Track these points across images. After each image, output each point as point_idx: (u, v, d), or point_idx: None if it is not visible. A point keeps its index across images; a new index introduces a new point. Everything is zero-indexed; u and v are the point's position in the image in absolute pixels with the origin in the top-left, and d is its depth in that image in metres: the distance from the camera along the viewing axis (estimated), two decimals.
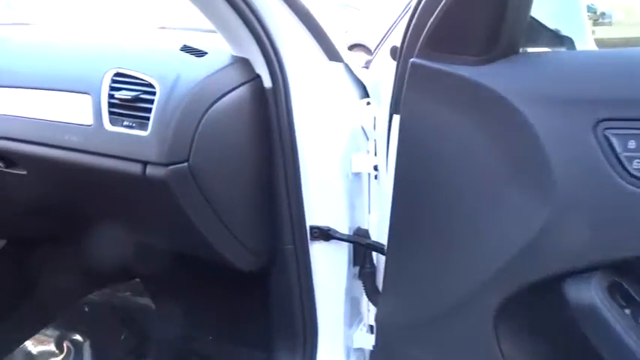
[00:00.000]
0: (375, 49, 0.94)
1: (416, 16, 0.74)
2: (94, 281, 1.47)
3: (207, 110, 0.85)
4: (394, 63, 0.84)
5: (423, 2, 0.73)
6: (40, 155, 0.98)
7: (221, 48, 1.00)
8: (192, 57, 0.95)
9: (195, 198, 0.87)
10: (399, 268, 0.84)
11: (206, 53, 0.97)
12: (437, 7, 0.69)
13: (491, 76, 0.65)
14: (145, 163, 0.84)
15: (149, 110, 0.85)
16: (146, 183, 0.84)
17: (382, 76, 0.93)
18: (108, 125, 0.87)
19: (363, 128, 1.13)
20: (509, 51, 0.67)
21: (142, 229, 1.06)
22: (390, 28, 0.91)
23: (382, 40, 0.93)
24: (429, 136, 0.75)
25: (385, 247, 0.98)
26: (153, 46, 1.09)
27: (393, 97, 0.85)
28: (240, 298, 1.34)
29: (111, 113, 0.88)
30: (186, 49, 1.00)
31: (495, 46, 0.66)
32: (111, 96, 0.89)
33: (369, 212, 1.21)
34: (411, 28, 0.76)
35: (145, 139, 0.83)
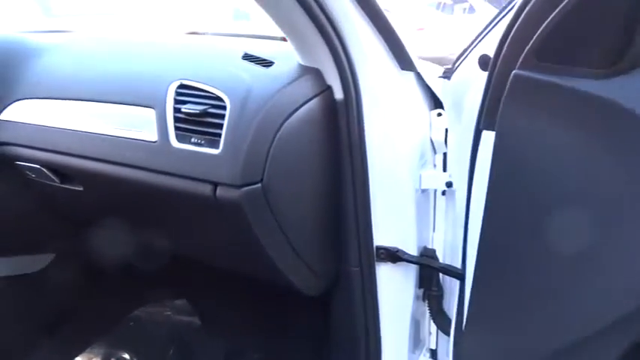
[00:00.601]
0: (459, 59, 0.87)
1: (517, 24, 0.67)
2: (141, 298, 1.43)
3: (280, 127, 0.79)
4: (483, 74, 0.77)
5: (527, 9, 0.66)
6: (99, 172, 0.94)
7: (285, 56, 0.95)
8: (259, 67, 0.90)
9: (266, 220, 0.81)
10: (491, 300, 0.76)
11: (272, 63, 0.92)
12: (547, 14, 0.62)
13: (619, 90, 0.58)
14: (215, 184, 0.78)
15: (219, 126, 0.79)
16: (215, 205, 0.79)
17: (466, 87, 0.86)
18: (175, 142, 0.82)
19: (431, 141, 1.07)
20: (639, 63, 0.59)
21: (202, 250, 1.01)
22: (478, 37, 0.83)
23: (468, 49, 0.86)
24: (534, 156, 0.67)
25: (461, 271, 0.92)
26: (213, 54, 1.04)
27: (482, 110, 0.78)
28: (293, 318, 1.28)
29: (177, 129, 0.83)
30: (250, 58, 0.94)
31: (623, 58, 0.59)
32: (176, 110, 0.84)
33: (434, 230, 1.14)
34: (510, 36, 0.68)
35: (216, 158, 0.77)
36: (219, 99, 0.82)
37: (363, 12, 0.87)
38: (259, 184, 0.77)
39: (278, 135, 0.79)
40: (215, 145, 0.78)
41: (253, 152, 0.77)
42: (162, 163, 0.83)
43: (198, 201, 0.81)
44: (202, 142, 0.79)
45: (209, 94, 0.83)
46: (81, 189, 1.02)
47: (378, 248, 0.98)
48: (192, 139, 0.80)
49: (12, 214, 1.16)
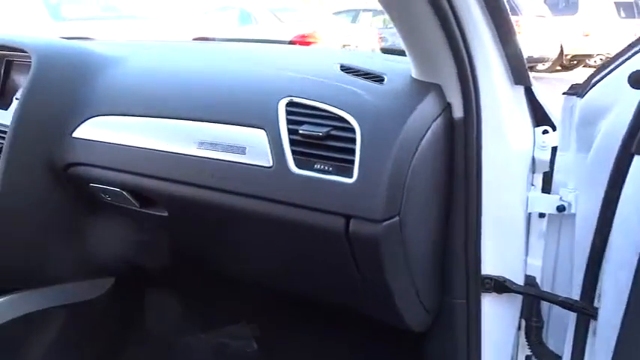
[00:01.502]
0: (598, 75, 0.80)
1: None
2: (199, 322, 1.35)
3: (415, 153, 0.72)
4: (633, 93, 0.70)
5: None
6: (190, 198, 0.86)
7: (386, 69, 0.88)
8: (373, 83, 0.82)
9: (398, 255, 0.74)
10: None
11: (383, 78, 0.84)
12: None
13: None
14: (347, 217, 0.70)
15: (349, 151, 0.71)
16: (344, 239, 0.71)
17: (606, 106, 0.79)
18: (294, 168, 0.74)
19: (533, 159, 1.00)
20: None
21: (303, 283, 0.93)
22: (626, 53, 0.76)
23: (610, 65, 0.79)
24: None
25: (580, 304, 0.85)
26: (306, 65, 0.96)
27: (632, 132, 0.71)
28: (380, 353, 1.20)
29: (295, 153, 0.75)
30: (351, 70, 0.87)
31: None
32: (292, 131, 0.76)
33: (528, 255, 1.07)
34: None
35: (350, 188, 0.69)
36: (341, 119, 0.74)
37: (490, 19, 0.80)
38: (397, 218, 0.70)
39: (413, 162, 0.72)
40: (346, 173, 0.70)
41: (394, 182, 0.69)
42: (279, 191, 0.75)
43: (322, 234, 0.73)
44: (329, 168, 0.71)
45: (328, 113, 0.76)
46: (165, 214, 0.94)
47: (484, 278, 0.91)
48: (316, 165, 0.73)
49: (79, 238, 1.08)
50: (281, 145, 0.76)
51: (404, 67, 0.90)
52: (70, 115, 0.99)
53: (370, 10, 9.68)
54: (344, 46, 7.27)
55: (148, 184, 0.92)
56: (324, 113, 0.76)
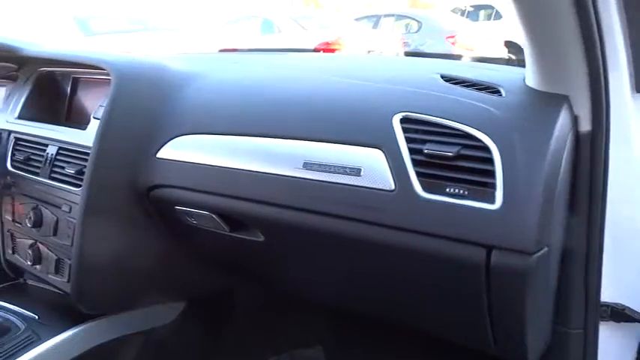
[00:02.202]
0: None
1: None
2: (274, 345, 1.29)
3: (559, 173, 0.65)
4: None
5: None
6: (295, 223, 0.80)
7: (500, 79, 0.81)
8: (492, 95, 0.76)
9: (540, 288, 0.66)
10: None
11: (498, 89, 0.78)
12: None
13: None
14: (489, 248, 0.63)
15: (487, 174, 0.64)
16: (484, 272, 0.64)
17: None
18: (421, 191, 0.67)
19: None
20: None
21: (406, 310, 0.86)
22: None
23: None
24: None
25: None
26: (404, 76, 0.90)
27: None
28: None
29: (420, 175, 0.68)
30: (458, 81, 0.81)
31: None
32: (413, 150, 0.70)
33: None
34: None
35: (493, 216, 0.62)
36: (469, 137, 0.67)
37: (625, 20, 0.72)
38: (547, 248, 0.63)
39: (558, 183, 0.65)
40: (486, 197, 0.63)
41: (545, 208, 0.62)
42: (405, 217, 0.68)
43: (454, 265, 0.67)
44: (464, 192, 0.65)
45: (453, 130, 0.69)
46: (260, 239, 0.88)
47: (602, 305, 0.84)
48: (448, 189, 0.66)
49: (161, 261, 1.04)
50: (403, 166, 0.69)
51: (512, 77, 0.84)
52: (152, 135, 0.94)
53: (392, 15, 9.61)
54: (368, 51, 7.21)
55: (241, 207, 0.86)
56: (448, 130, 0.69)
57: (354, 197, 0.73)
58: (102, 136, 0.93)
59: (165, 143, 0.93)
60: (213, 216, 0.90)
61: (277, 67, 1.10)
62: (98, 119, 0.98)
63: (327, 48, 6.87)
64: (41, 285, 1.16)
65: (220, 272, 1.11)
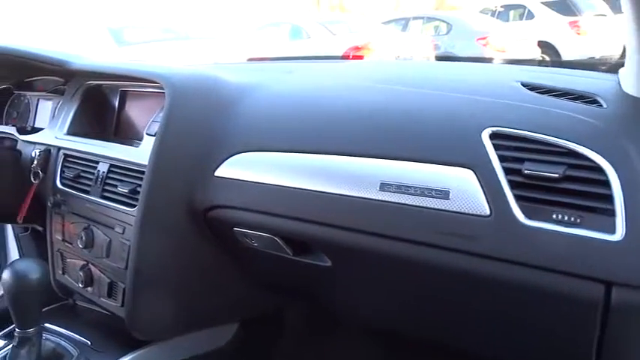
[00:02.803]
0: None
1: None
2: None
3: None
4: None
5: None
6: (373, 250, 0.73)
7: (592, 87, 0.73)
8: (591, 106, 0.67)
9: None
10: None
11: (595, 99, 0.69)
12: None
13: None
14: (609, 284, 0.55)
15: (600, 198, 0.56)
16: (602, 310, 0.56)
17: None
18: (522, 218, 0.60)
19: None
20: None
21: (489, 344, 0.78)
22: None
23: None
24: None
25: None
26: (481, 84, 0.82)
27: None
28: None
29: (518, 198, 0.61)
30: (550, 91, 0.73)
31: None
32: (508, 170, 0.62)
33: None
34: None
35: (614, 247, 0.54)
36: (576, 155, 0.60)
37: None
38: None
39: None
40: (605, 226, 0.55)
41: None
42: (503, 246, 0.60)
43: (563, 301, 0.59)
44: (576, 219, 0.57)
45: (555, 148, 0.61)
46: (327, 264, 0.82)
47: None
48: (555, 215, 0.58)
49: (217, 284, 0.99)
50: (499, 188, 0.62)
51: (604, 84, 0.75)
52: (210, 152, 0.89)
53: (420, 18, 9.48)
54: (398, 57, 7.11)
55: (308, 231, 0.80)
56: (548, 148, 0.62)
57: (441, 223, 0.65)
58: (158, 154, 0.88)
59: (224, 161, 0.87)
60: (276, 239, 0.84)
61: (338, 77, 1.04)
62: (152, 135, 0.93)
63: (357, 53, 6.81)
64: (91, 306, 1.12)
65: (273, 292, 1.05)
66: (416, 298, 0.80)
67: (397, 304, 0.84)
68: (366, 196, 0.71)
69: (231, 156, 0.87)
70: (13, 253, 1.71)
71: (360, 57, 6.60)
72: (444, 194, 0.65)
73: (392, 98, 0.81)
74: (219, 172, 0.88)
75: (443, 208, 0.65)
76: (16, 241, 1.65)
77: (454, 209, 0.64)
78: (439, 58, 7.83)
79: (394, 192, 0.69)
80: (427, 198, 0.66)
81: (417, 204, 0.67)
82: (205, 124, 0.90)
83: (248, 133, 0.88)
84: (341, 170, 0.75)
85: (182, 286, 0.95)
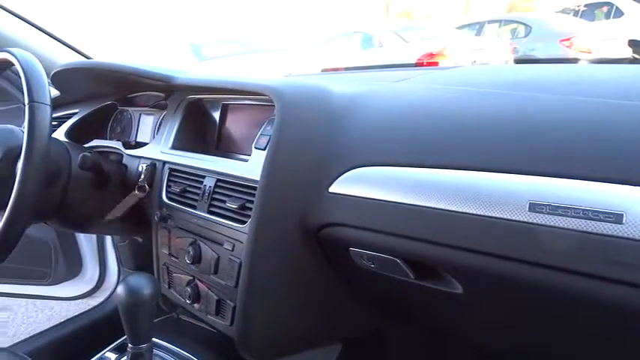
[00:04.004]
0: None
1: None
2: None
3: None
4: None
5: None
6: (516, 278, 0.64)
7: None
8: None
9: None
10: None
11: None
12: None
13: None
14: None
15: None
16: None
17: None
18: None
19: None
20: None
21: None
22: None
23: None
24: None
25: None
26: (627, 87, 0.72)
27: None
28: None
29: None
30: None
31: None
32: None
33: None
34: None
35: None
36: None
37: None
38: None
39: None
40: None
41: None
42: None
43: None
44: None
45: None
46: (459, 292, 0.74)
47: None
48: None
49: (322, 304, 0.94)
50: None
51: None
52: (324, 167, 0.84)
53: (496, 21, 9.12)
54: (473, 62, 6.85)
55: (435, 254, 0.72)
56: None
57: (610, 251, 0.56)
58: (270, 169, 0.84)
59: (339, 176, 0.82)
60: (398, 261, 0.77)
61: (455, 84, 0.96)
62: (260, 149, 0.91)
63: (431, 60, 6.64)
64: (194, 321, 1.11)
65: (380, 312, 0.99)
66: (555, 328, 0.70)
67: (532, 333, 0.75)
68: (511, 217, 0.63)
69: (346, 171, 0.82)
70: (112, 261, 1.77)
71: (435, 63, 6.42)
72: (615, 218, 0.55)
73: (534, 106, 0.72)
74: (333, 188, 0.83)
75: (613, 233, 0.55)
76: (115, 249, 1.70)
77: (629, 235, 0.54)
78: (519, 62, 7.46)
79: (548, 214, 0.60)
80: (592, 221, 0.57)
81: (579, 228, 0.58)
82: (318, 137, 0.86)
83: (365, 146, 0.83)
84: (479, 188, 0.67)
85: (293, 305, 0.91)
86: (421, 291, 0.80)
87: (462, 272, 0.72)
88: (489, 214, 0.65)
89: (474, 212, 0.66)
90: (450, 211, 0.69)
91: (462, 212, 0.67)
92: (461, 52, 6.87)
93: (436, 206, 0.70)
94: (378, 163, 0.79)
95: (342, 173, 0.82)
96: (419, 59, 6.73)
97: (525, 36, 8.38)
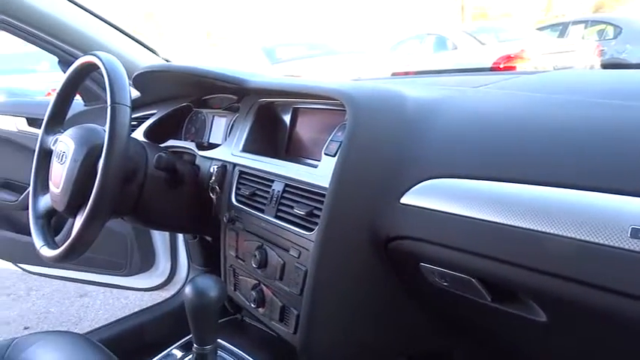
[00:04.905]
0: None
1: None
2: None
3: None
4: None
5: None
6: (612, 311, 0.58)
7: None
8: None
9: None
10: None
11: None
12: None
13: None
14: None
15: None
16: None
17: None
18: None
19: None
20: None
21: None
22: None
23: None
24: None
25: None
26: None
27: None
28: None
29: None
30: None
31: None
32: None
33: None
34: None
35: None
36: None
37: None
38: None
39: None
40: None
41: None
42: None
43: None
44: None
45: None
46: (543, 320, 0.67)
47: None
48: None
49: (387, 317, 0.90)
50: None
51: None
52: (396, 176, 0.80)
53: (582, 22, 8.55)
54: (555, 66, 6.45)
55: (516, 276, 0.66)
56: None
57: None
58: (340, 176, 0.82)
59: (413, 186, 0.78)
60: (473, 281, 0.72)
61: (538, 90, 0.89)
62: (330, 156, 0.88)
63: (509, 63, 6.34)
64: (258, 325, 1.11)
65: (450, 331, 0.93)
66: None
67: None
68: (609, 243, 0.56)
69: (421, 181, 0.77)
70: (182, 257, 1.83)
71: (512, 67, 6.12)
72: None
73: (632, 118, 0.64)
74: (405, 199, 0.79)
75: None
76: (186, 246, 1.76)
77: None
78: (606, 66, 6.95)
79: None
80: None
81: None
82: (391, 145, 0.82)
83: (443, 156, 0.78)
84: (571, 207, 0.60)
85: (358, 317, 0.88)
86: (498, 314, 0.74)
87: (548, 299, 0.65)
88: (583, 238, 0.58)
89: (564, 234, 0.60)
90: (536, 231, 0.62)
91: (549, 233, 0.61)
92: (541, 55, 6.49)
93: (520, 225, 0.64)
94: (456, 175, 0.74)
95: (416, 184, 0.78)
96: (495, 62, 6.45)
97: (614, 37, 7.80)
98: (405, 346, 1.00)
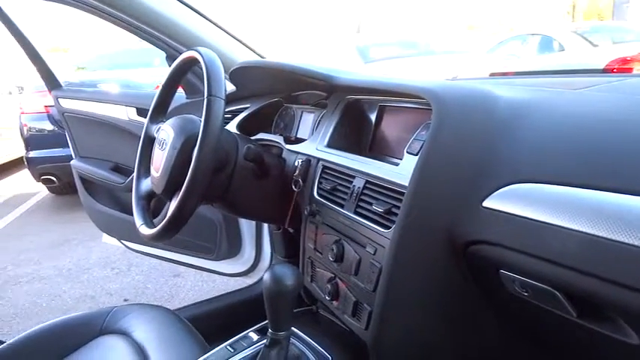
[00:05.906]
0: None
1: None
2: None
3: None
4: None
5: None
6: None
7: None
8: None
9: None
10: None
11: None
12: None
13: None
14: None
15: None
16: None
17: None
18: None
19: None
20: None
21: None
22: None
23: None
24: None
25: None
26: None
27: None
28: None
29: None
30: None
31: None
32: None
33: None
34: None
35: None
36: None
37: None
38: None
39: None
40: None
41: None
42: None
43: None
44: None
45: None
46: (635, 342, 0.62)
47: None
48: None
49: (461, 323, 0.87)
50: None
51: None
52: (479, 178, 0.78)
53: None
54: None
55: (605, 293, 0.61)
56: None
57: None
58: (420, 175, 0.81)
59: (496, 190, 0.75)
60: (557, 294, 0.68)
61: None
62: (412, 154, 0.87)
63: (624, 66, 5.78)
64: (332, 317, 1.13)
65: (528, 341, 0.88)
66: None
67: None
68: None
69: (506, 185, 0.74)
70: (266, 247, 1.90)
71: (629, 70, 5.58)
72: None
73: None
74: (488, 203, 0.76)
75: None
76: (270, 236, 1.83)
77: None
78: None
79: None
80: None
81: None
82: (476, 146, 0.80)
83: (534, 159, 0.74)
84: None
85: (431, 319, 0.86)
86: (584, 332, 0.69)
87: (636, 319, 0.60)
88: None
89: None
90: (633, 245, 0.57)
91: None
92: None
93: (615, 238, 0.59)
94: (545, 180, 0.70)
95: (501, 187, 0.75)
96: (607, 65, 5.91)
97: None
98: (475, 354, 0.96)
